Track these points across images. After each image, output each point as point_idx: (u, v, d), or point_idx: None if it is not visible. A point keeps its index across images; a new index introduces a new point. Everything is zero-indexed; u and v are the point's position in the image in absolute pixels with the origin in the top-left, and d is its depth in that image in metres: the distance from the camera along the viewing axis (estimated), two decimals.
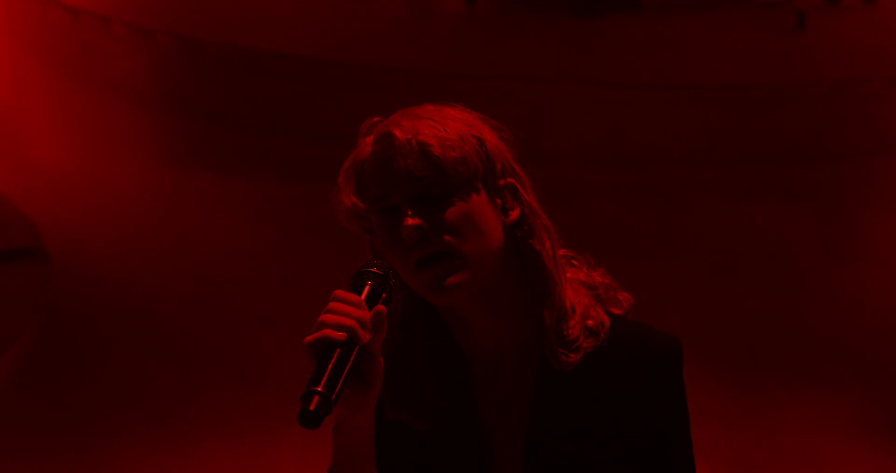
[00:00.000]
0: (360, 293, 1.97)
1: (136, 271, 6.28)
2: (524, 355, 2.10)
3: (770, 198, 7.15)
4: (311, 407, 1.86)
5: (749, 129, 7.55)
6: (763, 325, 5.89)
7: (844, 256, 6.54)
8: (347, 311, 1.92)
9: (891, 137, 7.57)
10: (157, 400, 5.29)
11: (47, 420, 5.20)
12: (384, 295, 1.99)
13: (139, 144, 7.71)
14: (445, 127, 2.03)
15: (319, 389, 1.87)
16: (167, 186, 7.12)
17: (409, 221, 2.00)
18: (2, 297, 6.05)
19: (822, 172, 7.33)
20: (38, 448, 5.02)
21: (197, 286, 6.12)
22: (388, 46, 8.24)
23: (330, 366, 1.89)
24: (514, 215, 2.08)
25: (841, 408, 5.27)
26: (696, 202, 7.02)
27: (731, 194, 7.18)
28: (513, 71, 7.87)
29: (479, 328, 2.10)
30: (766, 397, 5.39)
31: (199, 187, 7.07)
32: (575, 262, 2.15)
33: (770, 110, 7.63)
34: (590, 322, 2.08)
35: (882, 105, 7.65)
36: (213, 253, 6.40)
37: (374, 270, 2.00)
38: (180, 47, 8.12)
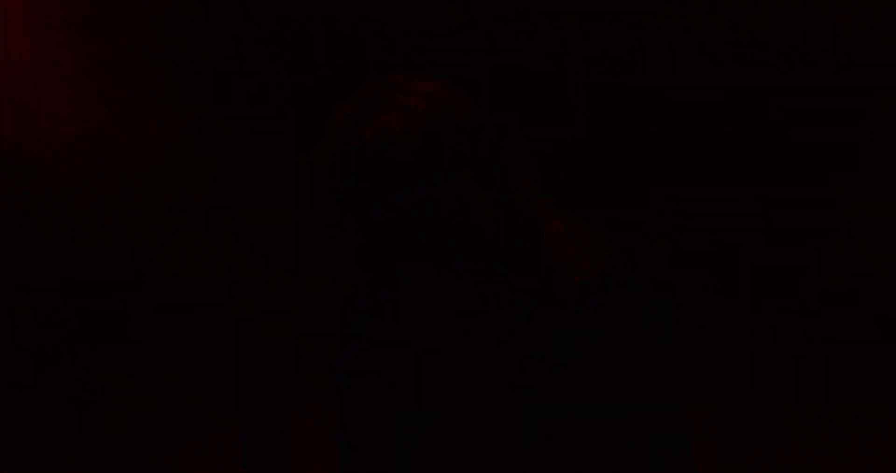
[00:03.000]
0: None
1: (139, 227, 6.33)
2: (515, 308, 2.12)
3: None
4: None
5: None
6: (784, 260, 5.90)
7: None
8: None
9: None
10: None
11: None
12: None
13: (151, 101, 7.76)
14: (414, 112, 2.01)
15: None
16: (182, 142, 7.17)
17: (389, 217, 2.01)
18: None
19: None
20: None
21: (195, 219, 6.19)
22: None
23: None
24: (497, 178, 2.07)
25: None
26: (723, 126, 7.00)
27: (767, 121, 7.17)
28: None
29: (470, 286, 2.12)
30: (797, 334, 5.40)
31: (214, 142, 7.11)
32: (559, 211, 2.16)
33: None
34: (579, 273, 2.09)
35: None
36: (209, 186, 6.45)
37: (256, 452, 2.02)
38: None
